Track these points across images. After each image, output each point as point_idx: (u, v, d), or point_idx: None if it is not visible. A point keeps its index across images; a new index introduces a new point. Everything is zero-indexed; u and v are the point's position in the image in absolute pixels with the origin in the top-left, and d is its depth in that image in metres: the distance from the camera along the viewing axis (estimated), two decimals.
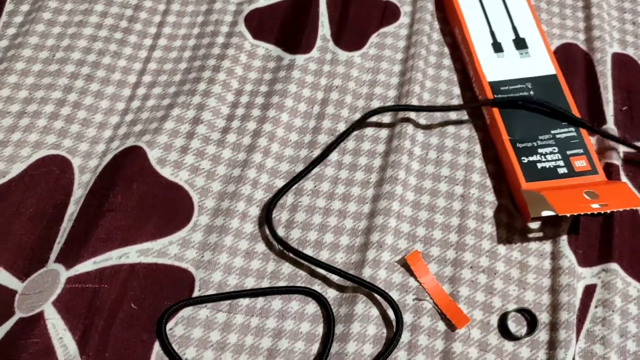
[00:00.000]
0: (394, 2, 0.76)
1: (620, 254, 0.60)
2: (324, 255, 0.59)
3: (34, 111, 0.65)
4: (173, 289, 0.56)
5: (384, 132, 0.66)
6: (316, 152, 0.64)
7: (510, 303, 0.58)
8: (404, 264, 0.59)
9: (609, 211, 0.58)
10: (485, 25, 0.71)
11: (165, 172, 0.62)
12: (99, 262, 0.57)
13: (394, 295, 0.57)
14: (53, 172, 0.62)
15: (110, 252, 0.57)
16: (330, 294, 0.57)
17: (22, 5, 0.73)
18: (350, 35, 0.72)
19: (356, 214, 0.61)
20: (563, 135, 0.63)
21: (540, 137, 0.63)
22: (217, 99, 0.66)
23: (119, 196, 0.60)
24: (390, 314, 0.56)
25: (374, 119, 0.67)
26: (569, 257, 0.59)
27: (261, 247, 0.59)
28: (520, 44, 0.69)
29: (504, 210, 0.62)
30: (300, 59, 0.70)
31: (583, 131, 0.64)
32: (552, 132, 0.63)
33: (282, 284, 0.57)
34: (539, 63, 0.68)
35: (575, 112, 0.65)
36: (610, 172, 0.63)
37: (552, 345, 0.55)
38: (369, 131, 0.66)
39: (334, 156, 0.64)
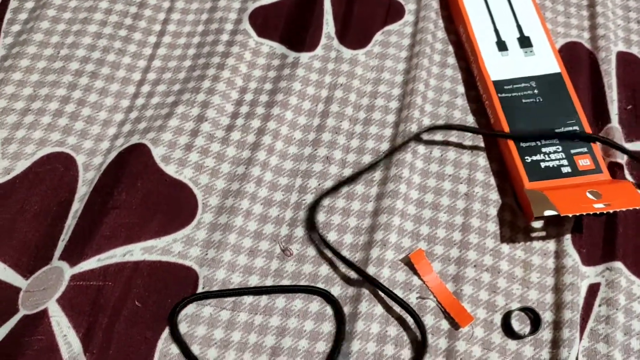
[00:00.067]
0: (399, 0, 0.76)
1: (624, 253, 0.60)
2: (327, 253, 0.59)
3: (38, 108, 0.65)
4: (177, 286, 0.56)
5: (387, 131, 0.66)
6: (320, 151, 0.64)
7: (513, 302, 0.58)
8: (408, 263, 0.59)
9: (612, 211, 0.58)
10: (490, 24, 0.71)
11: (170, 169, 0.62)
12: (103, 260, 0.57)
13: (398, 293, 0.57)
14: (57, 169, 0.62)
15: (114, 250, 0.57)
16: (334, 292, 0.57)
17: (26, 2, 0.73)
18: (354, 33, 0.72)
19: (360, 212, 0.61)
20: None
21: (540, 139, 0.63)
22: (222, 97, 0.66)
23: (123, 194, 0.60)
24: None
25: (378, 116, 0.67)
26: (572, 256, 0.59)
27: (265, 245, 0.59)
28: (524, 42, 0.69)
29: (507, 209, 0.62)
30: (304, 56, 0.70)
31: (587, 129, 0.64)
32: (557, 130, 0.63)
33: (285, 282, 0.57)
34: (544, 61, 0.68)
35: (580, 110, 0.65)
36: (615, 171, 0.63)
37: (556, 344, 0.55)
38: (373, 129, 0.66)
39: (338, 154, 0.64)
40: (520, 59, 0.68)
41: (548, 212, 0.57)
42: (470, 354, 0.55)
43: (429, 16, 0.74)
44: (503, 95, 0.65)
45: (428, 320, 0.56)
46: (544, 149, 0.62)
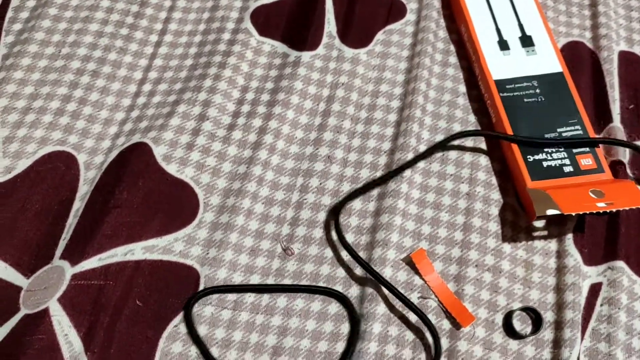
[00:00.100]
0: None
1: (626, 252, 0.60)
2: (329, 253, 0.59)
3: (39, 107, 0.65)
4: (178, 286, 0.56)
5: (389, 130, 0.66)
6: (321, 150, 0.64)
7: (515, 302, 0.57)
8: (409, 262, 0.59)
9: (614, 210, 0.57)
10: (492, 23, 0.70)
11: (171, 168, 0.62)
12: (104, 259, 0.57)
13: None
14: (59, 168, 0.62)
15: (115, 249, 0.57)
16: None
17: (28, 0, 0.73)
18: (356, 33, 0.72)
19: (361, 212, 0.61)
20: (569, 134, 0.63)
21: (546, 136, 0.63)
22: (223, 96, 0.66)
23: (124, 193, 0.60)
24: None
25: (379, 115, 0.67)
26: (574, 255, 0.59)
27: (266, 244, 0.59)
28: (526, 41, 0.69)
29: (509, 209, 0.62)
30: (306, 55, 0.70)
31: (589, 129, 0.64)
32: (559, 130, 0.63)
33: (287, 281, 0.57)
34: (546, 61, 0.68)
35: (582, 110, 0.65)
36: (617, 170, 0.63)
37: (557, 344, 0.55)
38: (374, 129, 0.66)
39: (339, 154, 0.64)
40: (522, 59, 0.68)
41: (550, 211, 0.57)
42: (471, 354, 0.55)
43: (431, 15, 0.73)
44: (505, 94, 0.65)
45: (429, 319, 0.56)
46: (546, 148, 0.62)
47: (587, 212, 0.58)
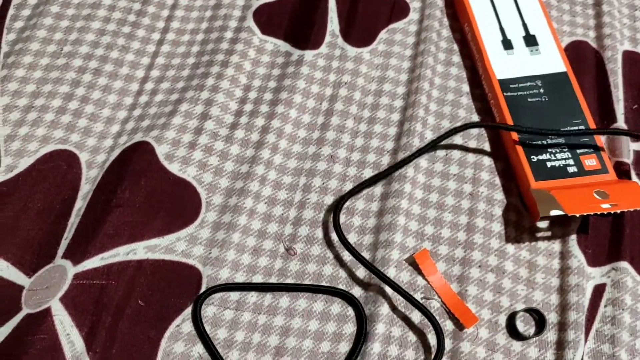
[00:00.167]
0: None
1: (631, 254, 0.59)
2: (331, 253, 0.59)
3: (41, 105, 0.65)
4: (180, 285, 0.56)
5: (392, 130, 0.66)
6: (324, 149, 0.64)
7: (518, 303, 0.57)
8: (412, 262, 0.58)
9: (619, 211, 0.57)
10: (495, 22, 0.70)
11: (173, 167, 0.62)
12: (106, 258, 0.56)
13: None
14: (60, 166, 0.62)
15: (117, 248, 0.57)
16: None
17: None
18: (359, 31, 0.72)
19: (364, 212, 0.61)
20: None
21: (550, 135, 0.63)
22: (226, 95, 0.66)
23: (126, 192, 0.59)
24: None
25: (382, 114, 0.66)
26: (578, 256, 0.59)
27: (269, 244, 0.59)
28: (530, 41, 0.69)
29: (512, 209, 0.62)
30: (309, 54, 0.70)
31: (593, 129, 0.63)
32: (562, 129, 0.63)
33: (289, 281, 0.57)
34: (550, 60, 0.68)
35: (586, 110, 0.64)
36: (621, 170, 0.63)
37: (561, 345, 0.55)
38: (377, 128, 0.66)
39: (342, 153, 0.64)
40: (525, 58, 0.68)
41: (554, 212, 0.57)
42: (474, 355, 0.54)
43: (434, 14, 0.73)
44: (509, 94, 0.65)
45: None
46: (550, 149, 0.62)
47: (591, 213, 0.58)
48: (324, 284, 0.57)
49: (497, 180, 0.63)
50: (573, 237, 0.60)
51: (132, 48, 0.70)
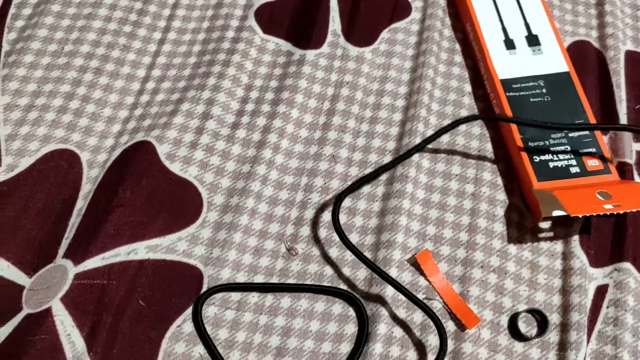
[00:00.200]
0: None
1: (633, 254, 0.59)
2: (333, 253, 0.59)
3: (42, 104, 0.65)
4: (181, 286, 0.56)
5: (394, 130, 0.65)
6: (326, 149, 0.64)
7: (520, 303, 0.57)
8: (414, 263, 0.58)
9: (622, 212, 0.57)
10: (497, 22, 0.70)
11: (175, 167, 0.61)
12: (107, 258, 0.56)
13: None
14: (61, 166, 0.61)
15: (118, 248, 0.57)
16: None
17: None
18: (361, 31, 0.72)
19: (366, 212, 0.61)
20: (576, 134, 0.63)
21: (552, 136, 0.62)
22: (227, 94, 0.66)
23: (127, 191, 0.59)
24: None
25: (384, 114, 0.66)
26: (580, 257, 0.59)
27: (270, 244, 0.59)
28: (532, 40, 0.69)
29: (514, 209, 0.62)
30: (310, 54, 0.69)
31: (594, 124, 0.63)
32: (565, 130, 0.63)
33: (291, 281, 0.57)
34: (552, 60, 0.67)
35: (588, 110, 0.64)
36: (624, 171, 0.63)
37: (563, 346, 0.55)
38: (379, 128, 0.65)
39: (344, 153, 0.64)
40: (528, 58, 0.67)
41: (557, 213, 0.56)
42: (476, 356, 0.54)
43: (436, 14, 0.73)
44: (511, 94, 0.65)
45: None
46: (552, 149, 0.62)
47: (594, 214, 0.57)
48: (325, 284, 0.57)
49: (499, 181, 0.63)
50: (575, 238, 0.60)
51: (134, 47, 0.70)
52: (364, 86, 0.68)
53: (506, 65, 0.67)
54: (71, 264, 0.56)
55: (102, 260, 0.56)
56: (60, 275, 0.55)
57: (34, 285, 0.55)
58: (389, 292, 0.56)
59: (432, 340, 0.55)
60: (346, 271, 0.58)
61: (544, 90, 0.65)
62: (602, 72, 0.70)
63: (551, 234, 0.60)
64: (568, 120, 0.63)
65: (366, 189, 0.62)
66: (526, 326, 0.56)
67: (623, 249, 0.59)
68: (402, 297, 0.56)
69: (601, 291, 0.58)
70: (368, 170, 0.63)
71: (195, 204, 0.60)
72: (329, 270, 0.58)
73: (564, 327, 0.56)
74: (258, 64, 0.69)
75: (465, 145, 0.65)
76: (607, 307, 0.57)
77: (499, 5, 0.71)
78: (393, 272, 0.57)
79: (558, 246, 0.60)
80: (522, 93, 0.65)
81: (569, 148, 0.62)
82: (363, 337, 0.54)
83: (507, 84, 0.65)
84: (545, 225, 0.61)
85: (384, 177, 0.63)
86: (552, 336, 0.56)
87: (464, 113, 0.67)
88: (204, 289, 0.56)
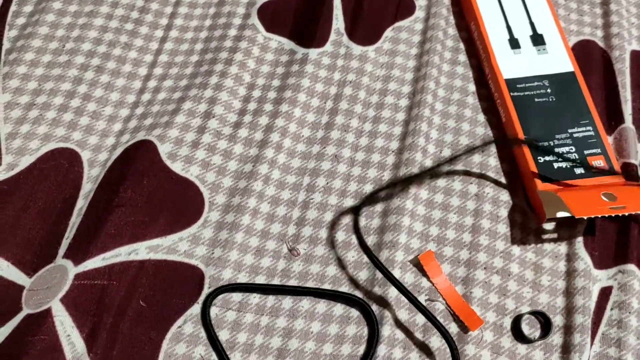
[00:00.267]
0: None
1: (637, 256, 0.59)
2: (335, 254, 0.58)
3: (43, 103, 0.64)
4: (182, 286, 0.56)
5: (397, 130, 0.65)
6: (328, 149, 0.63)
7: (524, 305, 0.57)
8: (417, 264, 0.58)
9: (627, 214, 0.57)
10: (502, 21, 0.70)
11: (176, 167, 0.61)
12: (108, 259, 0.56)
13: None
14: (62, 165, 0.61)
15: (119, 248, 0.56)
16: None
17: None
18: (364, 30, 0.71)
19: (369, 212, 0.60)
20: (580, 135, 0.62)
21: (557, 136, 0.62)
22: (229, 93, 0.66)
23: (129, 191, 0.59)
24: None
25: (387, 114, 0.66)
26: (584, 259, 0.58)
27: (272, 244, 0.58)
28: (537, 40, 0.68)
29: (518, 210, 0.61)
30: (313, 53, 0.69)
31: (601, 130, 0.63)
32: (570, 131, 0.62)
33: (292, 282, 0.57)
34: (557, 60, 0.67)
35: (593, 111, 0.64)
36: (629, 172, 0.62)
37: (566, 349, 0.54)
38: (382, 127, 0.65)
39: (346, 153, 0.63)
40: (532, 57, 0.67)
41: (561, 214, 0.56)
42: (479, 358, 0.54)
43: (440, 12, 0.72)
44: (515, 94, 0.64)
45: None
46: (557, 149, 0.61)
47: (599, 216, 0.57)
48: (327, 285, 0.57)
49: (503, 181, 0.63)
50: (579, 239, 0.59)
51: (135, 45, 0.69)
52: (367, 85, 0.68)
53: (511, 64, 0.66)
54: (71, 264, 0.55)
55: (102, 260, 0.56)
56: (60, 276, 0.55)
57: (34, 285, 0.55)
58: (392, 293, 0.56)
59: (435, 342, 0.54)
60: (348, 272, 0.57)
61: (549, 91, 0.65)
62: (607, 72, 0.70)
63: (555, 235, 0.60)
64: (573, 121, 0.63)
65: (368, 188, 0.61)
66: (529, 328, 0.56)
67: (627, 251, 0.59)
68: (404, 298, 0.56)
69: (605, 293, 0.57)
70: (371, 171, 0.62)
71: (197, 204, 0.60)
72: (331, 271, 0.57)
73: (568, 330, 0.55)
74: (261, 62, 0.69)
75: (468, 145, 0.64)
76: (611, 309, 0.57)
77: (503, 3, 0.71)
78: (396, 273, 0.57)
79: (562, 248, 0.59)
80: (526, 93, 0.64)
81: (573, 149, 0.61)
82: (376, 340, 0.54)
83: (512, 83, 0.65)
84: (549, 226, 0.60)
85: (385, 177, 0.62)
86: (556, 338, 0.55)
87: (467, 113, 0.66)
88: (205, 289, 0.56)
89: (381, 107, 0.66)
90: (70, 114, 0.64)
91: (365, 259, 0.58)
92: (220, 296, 0.55)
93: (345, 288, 0.57)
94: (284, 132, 0.64)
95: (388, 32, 0.72)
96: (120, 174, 0.60)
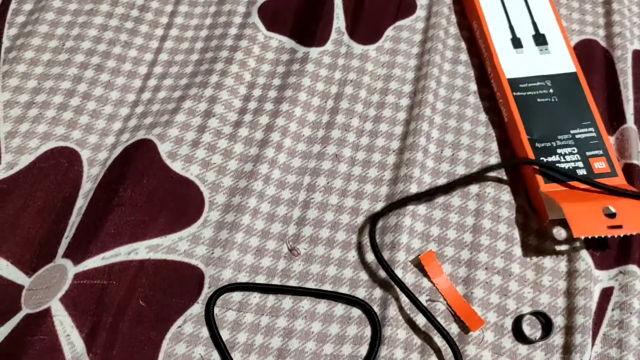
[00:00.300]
0: None
1: (639, 257, 0.59)
2: (335, 254, 0.58)
3: (42, 101, 0.64)
4: (182, 286, 0.55)
5: (398, 129, 0.65)
6: (329, 148, 0.63)
7: (525, 306, 0.57)
8: (418, 264, 0.58)
9: (622, 235, 0.57)
10: (505, 20, 0.69)
11: (176, 166, 0.61)
12: (107, 258, 0.56)
13: None
14: (62, 164, 0.61)
15: (119, 248, 0.56)
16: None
17: None
18: (365, 28, 0.71)
19: (369, 212, 0.60)
20: (583, 136, 0.62)
21: (559, 137, 0.62)
22: (230, 92, 0.65)
23: (128, 190, 0.59)
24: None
25: (388, 113, 0.65)
26: (585, 259, 0.58)
27: (272, 244, 0.58)
28: (540, 39, 0.68)
29: (520, 211, 0.61)
30: (314, 51, 0.69)
31: (602, 130, 0.62)
32: (572, 131, 0.62)
33: (292, 282, 0.57)
34: (559, 60, 0.67)
35: (595, 111, 0.64)
36: (630, 173, 0.62)
37: (567, 349, 0.54)
38: (383, 127, 0.65)
39: (347, 152, 0.63)
40: (535, 57, 0.67)
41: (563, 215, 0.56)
42: (480, 359, 0.54)
43: (442, 11, 0.72)
44: (518, 93, 0.64)
45: None
46: (559, 150, 0.61)
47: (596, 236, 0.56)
48: (327, 285, 0.56)
49: (505, 181, 0.62)
50: (580, 240, 0.59)
51: (135, 44, 0.69)
52: (368, 84, 0.67)
53: (513, 64, 0.66)
54: (71, 264, 0.55)
55: (102, 260, 0.56)
56: (59, 275, 0.55)
57: (33, 285, 0.55)
58: (393, 294, 0.56)
59: (436, 343, 0.54)
60: (348, 272, 0.57)
61: (551, 91, 0.64)
62: (609, 71, 0.70)
63: (556, 235, 0.60)
64: (575, 121, 0.63)
65: (369, 188, 0.61)
66: (530, 329, 0.56)
67: (629, 252, 0.59)
68: (405, 298, 0.55)
69: (606, 294, 0.57)
70: (372, 170, 0.62)
71: (197, 203, 0.60)
72: (331, 271, 0.57)
73: (569, 330, 0.55)
74: (261, 61, 0.68)
75: (470, 145, 0.64)
76: (612, 309, 0.56)
77: (506, 3, 0.71)
78: (397, 273, 0.56)
79: (563, 248, 0.59)
80: (529, 93, 0.64)
81: (575, 150, 0.61)
82: (379, 341, 0.54)
83: (514, 83, 0.65)
84: (550, 226, 0.60)
85: (386, 177, 0.62)
86: (557, 339, 0.55)
87: (469, 112, 0.66)
88: (205, 289, 0.55)
89: (382, 106, 0.66)
90: (70, 113, 0.64)
91: (365, 259, 0.58)
92: (221, 296, 0.55)
93: (345, 288, 0.56)
94: (284, 132, 0.63)
95: (389, 31, 0.71)
96: (120, 173, 0.60)
